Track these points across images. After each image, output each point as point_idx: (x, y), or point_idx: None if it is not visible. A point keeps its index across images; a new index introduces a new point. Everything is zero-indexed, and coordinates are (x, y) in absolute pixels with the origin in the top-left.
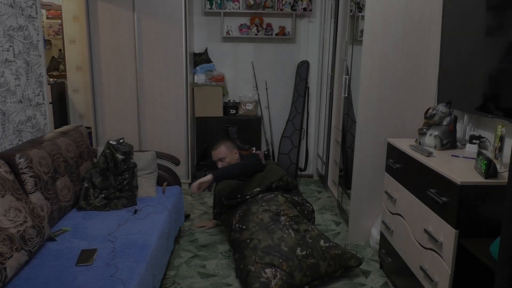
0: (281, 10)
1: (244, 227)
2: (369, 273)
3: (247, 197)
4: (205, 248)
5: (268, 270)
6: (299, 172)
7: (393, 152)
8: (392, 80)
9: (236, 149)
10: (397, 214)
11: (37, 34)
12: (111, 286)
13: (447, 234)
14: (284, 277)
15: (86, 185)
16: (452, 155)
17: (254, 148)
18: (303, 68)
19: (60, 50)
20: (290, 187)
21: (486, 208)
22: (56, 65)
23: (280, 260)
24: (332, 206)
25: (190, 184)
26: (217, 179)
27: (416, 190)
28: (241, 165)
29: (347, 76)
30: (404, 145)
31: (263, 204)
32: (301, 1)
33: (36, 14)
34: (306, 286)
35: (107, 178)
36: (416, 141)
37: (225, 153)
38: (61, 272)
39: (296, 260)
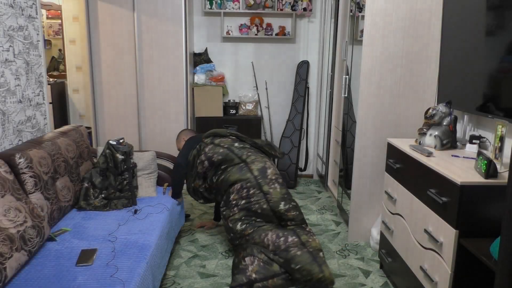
0: (281, 10)
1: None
2: (369, 273)
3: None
4: (205, 248)
5: (247, 259)
6: (299, 172)
7: (393, 152)
8: (392, 80)
9: (184, 136)
10: (397, 214)
11: (37, 34)
12: (111, 286)
13: (447, 234)
14: (261, 263)
15: (86, 185)
16: (452, 155)
17: None
18: (303, 68)
19: (60, 50)
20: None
21: (486, 208)
22: (56, 65)
23: (261, 250)
24: (332, 206)
25: None
26: (176, 196)
27: (416, 190)
28: (172, 176)
29: (347, 76)
30: (404, 145)
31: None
32: (301, 1)
33: (36, 14)
34: (283, 271)
35: (107, 178)
36: (416, 141)
37: (177, 145)
38: (61, 272)
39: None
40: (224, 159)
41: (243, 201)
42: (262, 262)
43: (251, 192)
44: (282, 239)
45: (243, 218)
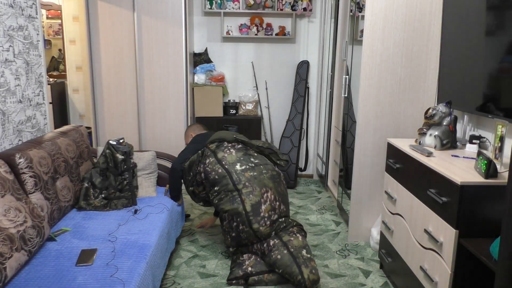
0: (281, 10)
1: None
2: (369, 273)
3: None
4: (205, 248)
5: (245, 255)
6: (299, 172)
7: (393, 152)
8: (392, 80)
9: (192, 132)
10: (397, 214)
11: (37, 34)
12: (111, 286)
13: (447, 234)
14: (258, 259)
15: (86, 185)
16: (452, 155)
17: None
18: (303, 68)
19: (60, 50)
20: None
21: (486, 208)
22: (56, 65)
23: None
24: (332, 206)
25: None
26: (175, 199)
27: (416, 190)
28: (169, 181)
29: (347, 76)
30: (404, 145)
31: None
32: (301, 1)
33: (36, 14)
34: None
35: (107, 178)
36: (416, 141)
37: (185, 139)
38: (61, 272)
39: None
40: (219, 181)
41: (233, 234)
42: (259, 258)
43: (240, 228)
44: (265, 244)
45: (234, 246)
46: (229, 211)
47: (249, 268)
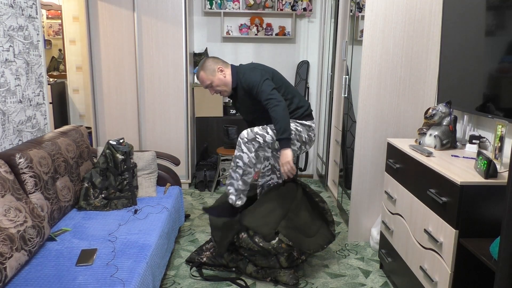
0: (281, 10)
1: None
2: (369, 273)
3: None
4: None
5: (208, 245)
6: (299, 172)
7: (393, 152)
8: (392, 80)
9: (219, 66)
10: (397, 214)
11: (37, 34)
12: (111, 286)
13: (447, 234)
14: (214, 253)
15: (86, 185)
16: (452, 155)
17: None
18: (303, 68)
19: (60, 50)
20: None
21: (486, 208)
22: (56, 65)
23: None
24: (332, 206)
25: (192, 184)
26: (287, 141)
27: (416, 190)
28: (278, 118)
29: (347, 76)
30: (404, 145)
31: None
32: (301, 1)
33: (36, 14)
34: (234, 269)
35: (107, 178)
36: (416, 141)
37: (208, 79)
38: (61, 272)
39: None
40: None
41: None
42: (215, 253)
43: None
44: None
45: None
46: None
47: (204, 259)
